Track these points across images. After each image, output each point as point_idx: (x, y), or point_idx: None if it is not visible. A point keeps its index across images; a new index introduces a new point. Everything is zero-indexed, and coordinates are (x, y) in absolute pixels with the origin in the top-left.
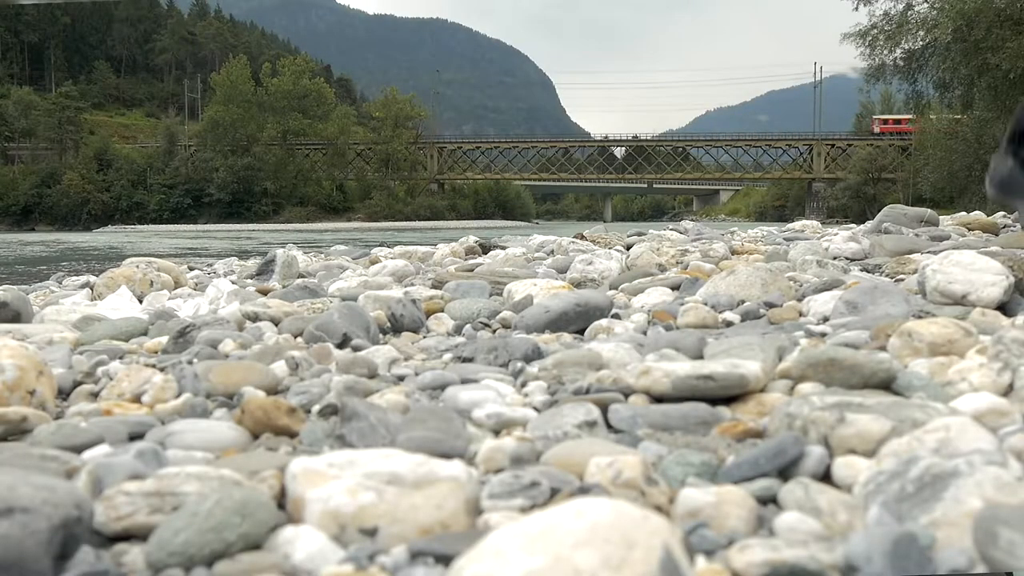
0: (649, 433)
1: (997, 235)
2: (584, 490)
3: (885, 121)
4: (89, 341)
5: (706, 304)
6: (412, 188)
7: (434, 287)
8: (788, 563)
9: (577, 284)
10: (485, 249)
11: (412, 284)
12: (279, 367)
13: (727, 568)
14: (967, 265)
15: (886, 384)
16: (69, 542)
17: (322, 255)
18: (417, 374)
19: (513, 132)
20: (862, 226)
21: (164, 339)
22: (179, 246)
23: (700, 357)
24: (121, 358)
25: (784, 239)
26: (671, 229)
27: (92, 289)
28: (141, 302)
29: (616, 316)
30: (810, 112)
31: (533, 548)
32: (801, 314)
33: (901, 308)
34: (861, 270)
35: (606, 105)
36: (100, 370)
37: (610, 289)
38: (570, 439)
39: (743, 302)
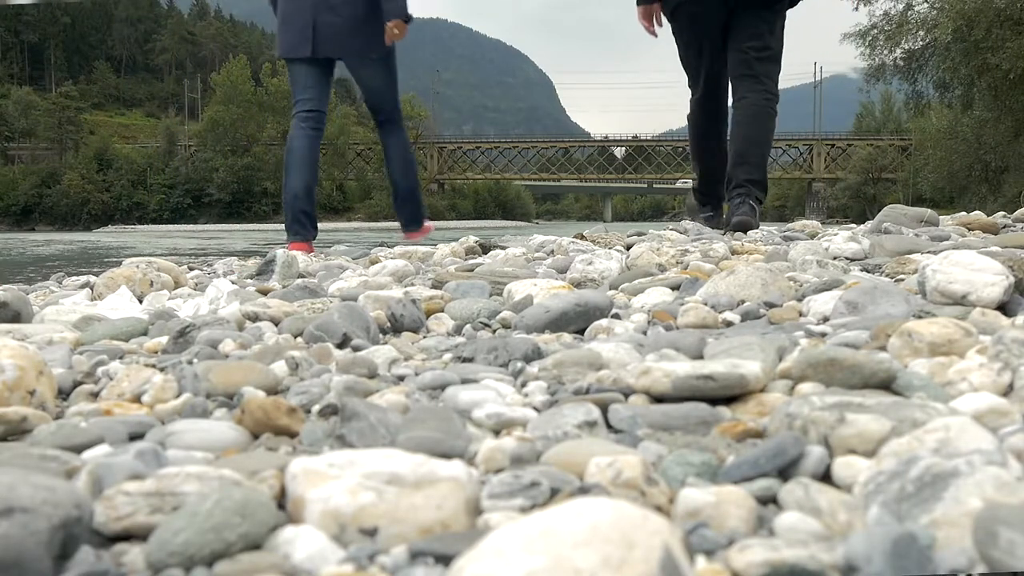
0: (649, 433)
1: (997, 235)
2: (584, 490)
3: None
4: (89, 341)
5: (706, 304)
6: None
7: (434, 287)
8: (788, 563)
9: (577, 284)
10: (485, 249)
11: (412, 284)
12: (279, 367)
13: (727, 568)
14: (967, 265)
15: (886, 384)
16: (69, 542)
17: (322, 255)
18: (417, 374)
19: (513, 132)
20: (862, 226)
21: (164, 339)
22: (179, 246)
23: (700, 357)
24: (121, 358)
25: (784, 238)
26: (671, 229)
27: (92, 289)
28: (141, 302)
29: (616, 316)
30: (810, 112)
31: (533, 548)
32: (801, 314)
33: (901, 308)
34: (861, 270)
35: (606, 105)
36: (100, 370)
37: (610, 289)
38: (570, 439)
39: (743, 302)
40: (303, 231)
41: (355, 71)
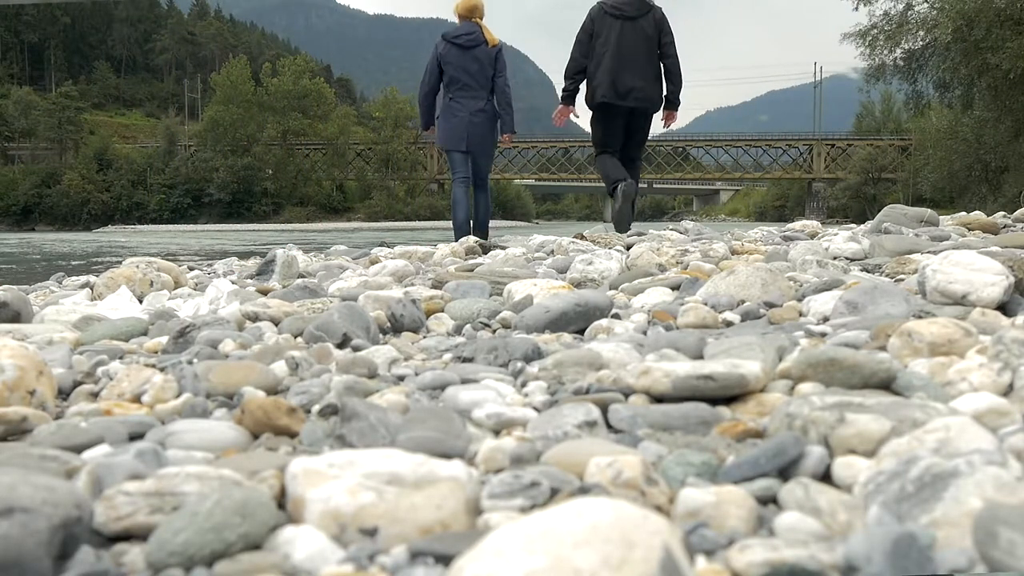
0: (649, 433)
1: (997, 235)
2: (584, 490)
3: None
4: (89, 341)
5: (706, 304)
6: (412, 188)
7: (434, 287)
8: (788, 563)
9: (577, 284)
10: (485, 249)
11: (412, 284)
12: (279, 367)
13: (727, 568)
14: (967, 265)
15: (886, 384)
16: (69, 542)
17: (322, 255)
18: (417, 374)
19: None
20: (862, 226)
21: (164, 339)
22: (179, 246)
23: (700, 357)
24: (121, 358)
25: (784, 238)
26: (671, 229)
27: (92, 289)
28: (141, 302)
29: (616, 316)
30: (810, 112)
31: (533, 548)
32: (801, 314)
33: (901, 308)
34: (861, 270)
35: None
36: (100, 370)
37: (610, 289)
38: (570, 439)
39: (743, 302)
40: (483, 234)
41: (476, 156)
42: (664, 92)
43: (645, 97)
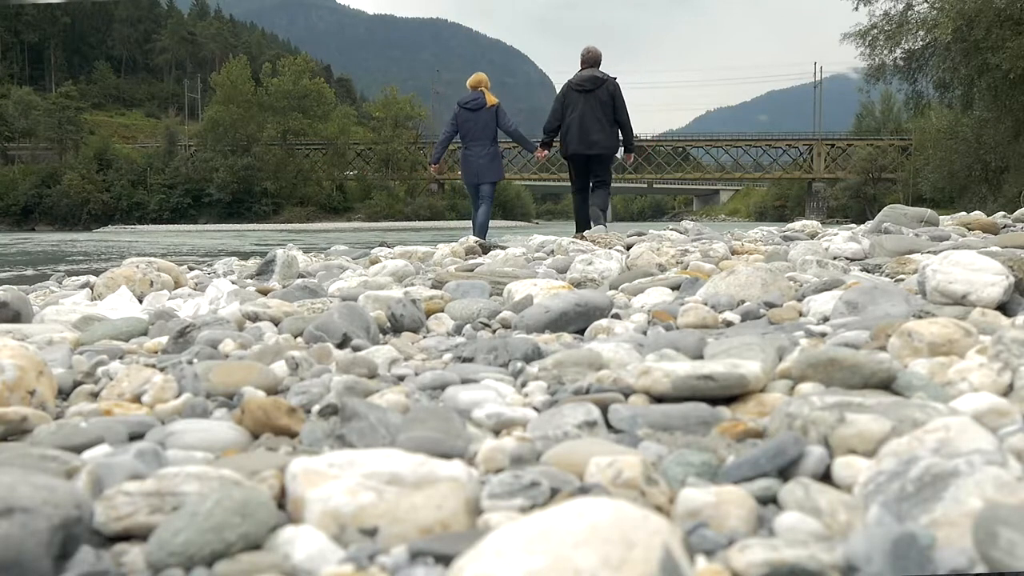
0: (649, 433)
1: (997, 235)
2: (584, 490)
3: None
4: (89, 341)
5: (706, 304)
6: (412, 188)
7: (434, 287)
8: (788, 563)
9: (577, 284)
10: (485, 249)
11: (412, 284)
12: (279, 367)
13: (727, 568)
14: (967, 265)
15: (886, 384)
16: (69, 542)
17: (322, 255)
18: (417, 374)
19: None
20: (862, 226)
21: (164, 339)
22: (179, 245)
23: (700, 357)
24: (121, 358)
25: (784, 238)
26: (671, 229)
27: (92, 289)
28: (141, 302)
29: (616, 316)
30: (810, 112)
31: (533, 548)
32: (801, 314)
33: (901, 308)
34: (861, 270)
35: None
36: (100, 370)
37: (610, 289)
38: (570, 439)
39: (743, 302)
40: (481, 235)
41: (482, 183)
42: (620, 140)
43: (604, 146)
